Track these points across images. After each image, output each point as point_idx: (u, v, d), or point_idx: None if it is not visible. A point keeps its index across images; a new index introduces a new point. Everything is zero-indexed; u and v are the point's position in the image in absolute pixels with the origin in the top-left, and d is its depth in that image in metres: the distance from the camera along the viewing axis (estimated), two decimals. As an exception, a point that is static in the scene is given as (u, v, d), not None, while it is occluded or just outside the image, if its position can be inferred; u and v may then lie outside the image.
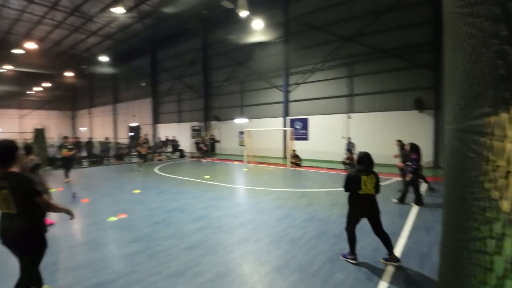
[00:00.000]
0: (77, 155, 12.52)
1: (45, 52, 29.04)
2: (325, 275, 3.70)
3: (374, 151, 13.98)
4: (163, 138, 24.43)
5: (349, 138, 14.22)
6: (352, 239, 4.01)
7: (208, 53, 23.44)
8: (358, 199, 3.90)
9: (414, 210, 6.61)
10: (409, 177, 6.87)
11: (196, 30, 22.78)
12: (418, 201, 6.95)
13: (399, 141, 9.34)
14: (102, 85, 37.04)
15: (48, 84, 36.52)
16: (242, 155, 18.00)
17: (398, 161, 8.26)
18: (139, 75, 30.03)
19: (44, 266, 4.04)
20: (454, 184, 2.10)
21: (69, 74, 31.13)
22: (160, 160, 19.44)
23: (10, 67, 28.12)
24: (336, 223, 5.75)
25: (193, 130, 25.26)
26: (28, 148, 5.86)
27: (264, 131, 18.23)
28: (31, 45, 22.78)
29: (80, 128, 43.40)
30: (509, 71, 0.50)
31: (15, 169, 2.64)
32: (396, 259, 3.88)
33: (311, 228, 5.50)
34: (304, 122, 17.96)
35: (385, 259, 3.95)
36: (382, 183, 10.10)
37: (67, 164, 11.36)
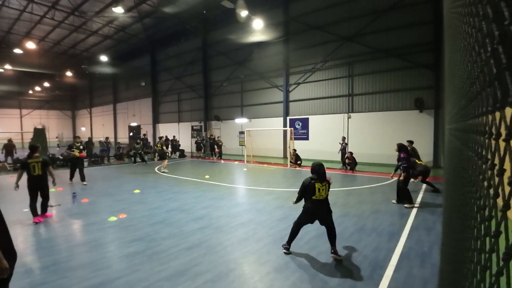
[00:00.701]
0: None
1: (45, 51, 29.06)
2: (326, 275, 3.70)
3: (374, 150, 14.07)
4: (163, 138, 24.41)
5: (343, 138, 14.20)
6: (295, 234, 4.38)
7: (208, 52, 23.44)
8: (312, 204, 4.18)
9: (414, 210, 6.60)
10: (402, 176, 6.83)
11: (196, 30, 22.78)
12: (408, 200, 6.81)
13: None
14: (102, 85, 37.04)
15: (48, 84, 36.52)
16: (242, 155, 18.02)
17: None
18: (139, 75, 30.03)
19: (44, 266, 4.06)
20: (454, 184, 2.10)
21: (69, 73, 31.13)
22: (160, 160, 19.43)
23: (10, 66, 28.11)
24: (336, 223, 5.70)
25: (193, 129, 25.27)
26: (32, 148, 6.36)
27: (264, 131, 18.24)
28: (31, 45, 22.78)
29: (80, 128, 43.39)
30: (501, 70, 0.51)
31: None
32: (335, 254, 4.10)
33: (311, 228, 5.48)
34: (304, 122, 17.96)
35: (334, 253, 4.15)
36: (383, 183, 10.14)
37: (80, 165, 10.54)
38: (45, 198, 6.35)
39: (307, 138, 17.82)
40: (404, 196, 6.86)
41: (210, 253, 4.39)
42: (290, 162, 14.94)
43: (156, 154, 19.85)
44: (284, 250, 4.39)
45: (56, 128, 40.67)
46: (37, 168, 6.11)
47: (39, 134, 15.04)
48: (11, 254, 2.52)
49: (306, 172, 12.96)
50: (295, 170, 13.91)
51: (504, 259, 0.42)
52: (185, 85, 25.53)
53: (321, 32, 16.66)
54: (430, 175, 8.82)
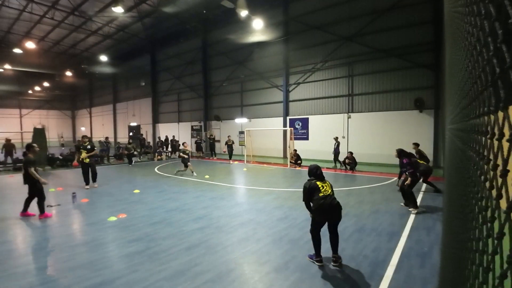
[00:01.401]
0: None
1: (45, 51, 29.01)
2: (325, 275, 3.70)
3: (374, 150, 14.09)
4: (163, 138, 24.41)
5: (336, 138, 14.17)
6: (318, 242, 4.01)
7: (208, 52, 23.43)
8: (322, 201, 3.91)
9: (414, 211, 6.59)
10: (409, 181, 6.56)
11: (196, 29, 22.75)
12: (414, 204, 6.51)
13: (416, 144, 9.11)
14: (102, 85, 37.01)
15: (48, 84, 36.48)
16: (242, 155, 18.01)
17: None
18: (139, 75, 30.01)
19: (44, 266, 4.06)
20: (455, 184, 2.10)
21: (69, 73, 31.08)
22: (159, 159, 19.44)
23: (9, 66, 28.07)
24: (336, 223, 5.75)
25: (193, 129, 25.26)
26: (27, 147, 6.52)
27: (264, 131, 18.23)
28: (31, 45, 22.74)
29: (80, 128, 43.38)
30: (505, 69, 0.51)
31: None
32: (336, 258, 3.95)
33: (311, 228, 5.50)
34: (304, 122, 17.95)
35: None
36: (382, 183, 10.14)
37: (93, 166, 9.67)
38: (30, 197, 6.40)
39: (307, 138, 17.81)
40: (409, 200, 6.60)
41: (210, 253, 4.39)
42: (290, 162, 14.94)
43: (156, 154, 19.92)
44: (317, 264, 3.95)
45: (56, 128, 40.61)
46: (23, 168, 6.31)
47: (39, 134, 15.00)
48: None
49: (306, 172, 12.92)
50: (295, 170, 13.91)
51: (509, 262, 0.42)
52: (185, 85, 25.52)
53: (321, 32, 16.66)
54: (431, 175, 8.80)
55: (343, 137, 15.95)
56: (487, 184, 0.76)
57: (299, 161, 14.67)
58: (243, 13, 16.13)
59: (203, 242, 4.84)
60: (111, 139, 29.91)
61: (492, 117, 0.71)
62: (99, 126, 38.79)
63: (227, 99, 22.42)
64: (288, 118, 18.61)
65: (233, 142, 18.53)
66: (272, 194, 8.50)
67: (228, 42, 20.93)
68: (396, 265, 3.89)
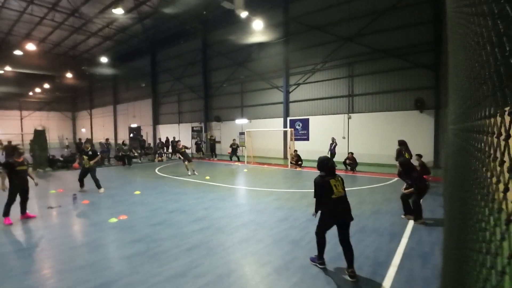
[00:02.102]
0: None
1: (45, 53, 29.06)
2: (327, 276, 3.68)
3: (375, 151, 14.07)
4: (163, 139, 24.42)
5: (333, 139, 14.15)
6: (323, 244, 3.88)
7: (208, 53, 23.45)
8: (333, 205, 3.70)
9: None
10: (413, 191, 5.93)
11: (196, 30, 22.77)
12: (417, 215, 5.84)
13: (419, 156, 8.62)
14: (102, 86, 37.05)
15: (48, 85, 36.53)
16: (242, 156, 17.99)
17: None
18: (139, 76, 30.04)
19: (45, 267, 4.05)
20: (458, 185, 2.09)
21: (69, 75, 31.12)
22: (160, 161, 19.43)
23: (10, 68, 28.12)
24: (337, 223, 5.73)
25: (194, 130, 25.26)
26: (11, 149, 6.41)
27: (264, 131, 18.22)
28: (31, 46, 22.77)
29: (80, 129, 43.42)
30: (510, 70, 0.50)
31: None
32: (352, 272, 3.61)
33: (313, 229, 5.42)
34: (305, 122, 17.95)
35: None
36: (383, 183, 10.13)
37: (92, 172, 9.22)
38: (23, 199, 6.39)
39: (307, 139, 17.81)
40: (416, 211, 5.82)
41: (210, 254, 4.37)
42: (291, 163, 14.93)
43: (157, 156, 19.92)
44: (320, 266, 3.87)
45: (56, 129, 40.63)
46: None
47: (40, 135, 15.01)
48: None
49: (306, 173, 12.95)
50: (295, 170, 13.89)
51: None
52: (185, 86, 25.53)
53: (321, 33, 16.66)
54: (430, 175, 8.80)
55: (343, 138, 15.95)
56: (494, 179, 0.76)
57: (299, 162, 14.66)
58: (243, 14, 16.14)
59: (204, 243, 4.82)
60: (112, 141, 29.91)
61: (499, 118, 0.70)
62: (99, 127, 38.82)
63: (228, 100, 22.43)
64: (288, 118, 18.61)
65: (237, 146, 18.52)
66: (273, 195, 8.49)
67: (228, 43, 20.95)
68: (398, 266, 3.87)
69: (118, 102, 34.79)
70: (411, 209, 5.88)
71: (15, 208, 6.18)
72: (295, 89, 18.31)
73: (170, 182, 11.00)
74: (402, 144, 9.39)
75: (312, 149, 17.24)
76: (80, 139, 24.67)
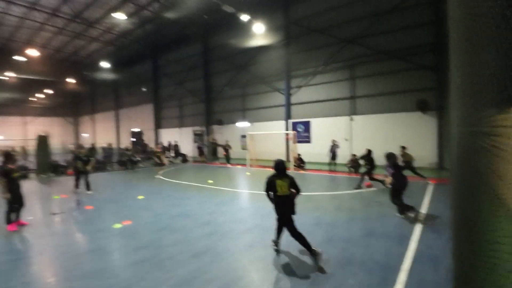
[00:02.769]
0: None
1: (47, 58, 29.23)
2: (336, 281, 3.62)
3: (378, 153, 13.90)
4: (165, 143, 24.44)
5: (333, 141, 14.11)
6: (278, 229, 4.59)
7: (209, 57, 23.50)
8: (275, 200, 4.44)
9: (422, 212, 6.49)
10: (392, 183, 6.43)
11: (197, 35, 22.88)
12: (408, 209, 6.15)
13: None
14: (104, 91, 37.19)
15: (50, 91, 36.72)
16: (244, 159, 17.94)
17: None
18: (140, 81, 30.13)
19: (50, 275, 4.00)
20: (466, 187, 2.05)
21: (71, 80, 31.27)
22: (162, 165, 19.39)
23: (12, 74, 28.29)
24: (344, 227, 5.68)
25: (195, 134, 25.25)
26: (6, 155, 6.33)
27: (266, 134, 18.18)
28: (33, 52, 22.93)
29: (82, 134, 43.52)
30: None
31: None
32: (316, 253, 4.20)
33: (319, 233, 5.43)
34: (306, 125, 17.90)
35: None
36: (387, 187, 10.00)
37: (84, 176, 9.79)
38: (19, 206, 6.21)
39: (309, 141, 17.75)
40: (402, 207, 6.17)
41: (217, 260, 4.32)
42: (294, 165, 14.86)
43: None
44: (274, 247, 4.59)
45: (59, 135, 40.72)
46: None
47: (43, 141, 15.03)
48: None
49: (309, 176, 12.88)
50: (298, 173, 13.83)
51: None
52: (186, 90, 25.57)
53: (321, 35, 16.67)
54: (436, 177, 8.75)
55: (346, 140, 15.88)
56: (501, 185, 0.72)
57: (302, 165, 14.60)
58: (244, 17, 16.20)
59: (210, 249, 4.77)
60: (114, 145, 29.95)
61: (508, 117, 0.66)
62: (102, 132, 38.90)
63: (229, 104, 22.44)
64: (290, 121, 18.57)
65: (230, 147, 18.77)
66: (277, 198, 8.42)
67: (229, 46, 21.00)
68: (409, 270, 3.80)
69: (120, 107, 34.89)
70: (405, 206, 6.17)
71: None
72: (296, 91, 18.29)
73: (173, 186, 10.96)
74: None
75: (315, 151, 17.17)
76: (81, 144, 24.69)
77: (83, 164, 9.73)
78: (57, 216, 7.08)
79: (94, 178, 13.87)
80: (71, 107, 44.08)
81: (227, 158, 18.52)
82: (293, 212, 4.41)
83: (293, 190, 4.40)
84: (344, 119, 16.12)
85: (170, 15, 19.81)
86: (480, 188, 1.39)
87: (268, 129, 19.15)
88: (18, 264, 4.39)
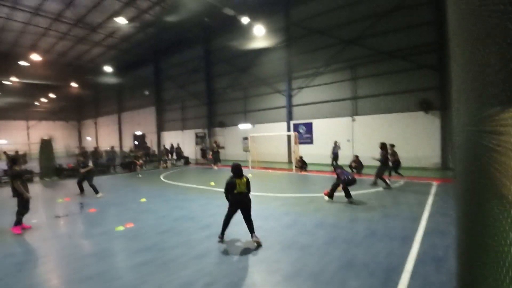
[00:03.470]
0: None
1: (51, 63, 29.53)
2: (338, 283, 3.60)
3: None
4: (167, 146, 24.53)
5: (335, 142, 14.12)
6: (225, 225, 5.22)
7: (211, 60, 23.61)
8: (234, 197, 5.14)
9: (425, 214, 6.45)
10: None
11: (198, 38, 23.00)
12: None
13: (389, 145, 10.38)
14: (107, 95, 37.48)
15: (54, 95, 37.06)
16: (246, 161, 17.94)
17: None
18: (143, 84, 30.33)
19: (53, 278, 4.03)
20: (473, 187, 2.03)
21: (74, 84, 31.54)
22: (165, 167, 19.46)
23: (17, 79, 28.60)
24: (347, 228, 5.65)
25: (197, 137, 25.32)
26: (13, 159, 6.60)
27: (268, 136, 18.19)
28: (36, 57, 23.18)
29: (86, 138, 43.81)
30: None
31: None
32: (256, 238, 4.97)
33: (321, 234, 5.41)
34: (308, 126, 17.89)
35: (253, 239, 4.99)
36: (391, 186, 9.94)
37: (89, 179, 10.02)
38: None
39: (311, 142, 17.73)
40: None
41: (219, 262, 4.32)
42: (295, 167, 14.84)
43: (161, 162, 19.97)
44: (218, 240, 5.12)
45: (62, 138, 41.06)
46: None
47: (47, 144, 15.16)
48: None
49: (311, 177, 12.85)
50: (300, 175, 13.81)
51: None
52: (188, 93, 25.69)
53: (322, 36, 16.70)
54: (440, 177, 8.70)
55: (348, 141, 15.84)
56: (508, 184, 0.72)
57: (304, 166, 14.57)
58: (244, 20, 16.26)
59: (212, 250, 4.77)
60: (117, 148, 30.11)
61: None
62: (105, 136, 39.14)
63: (230, 106, 22.50)
64: (292, 122, 18.57)
65: (217, 149, 18.99)
66: (279, 200, 8.42)
67: (230, 49, 21.09)
68: (411, 271, 3.78)
69: (123, 110, 35.11)
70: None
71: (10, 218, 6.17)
72: (297, 93, 18.30)
73: (175, 189, 10.99)
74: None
75: (317, 152, 17.14)
76: (83, 148, 24.85)
77: (82, 169, 10.14)
78: (61, 219, 7.13)
79: (97, 181, 13.96)
80: (74, 111, 44.44)
81: (215, 159, 18.51)
82: (250, 201, 5.26)
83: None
84: (346, 120, 16.09)
85: (171, 18, 19.95)
86: (485, 188, 1.39)
87: (270, 130, 19.16)
88: (23, 266, 4.42)
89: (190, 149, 24.65)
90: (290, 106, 18.60)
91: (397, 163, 10.70)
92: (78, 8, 19.01)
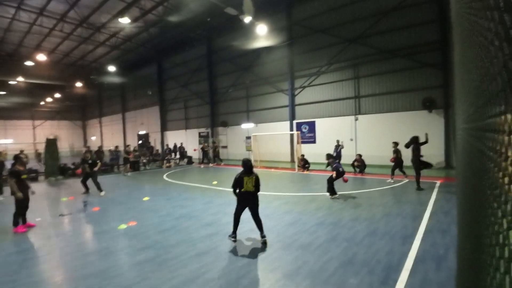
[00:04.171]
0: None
1: (55, 63, 29.80)
2: (338, 281, 3.62)
3: (383, 152, 13.90)
4: (171, 145, 24.62)
5: (338, 141, 14.08)
6: (236, 222, 5.14)
7: (213, 59, 23.66)
8: (241, 195, 5.06)
9: (427, 212, 6.43)
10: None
11: (200, 37, 23.05)
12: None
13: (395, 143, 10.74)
14: (111, 95, 37.72)
15: (59, 95, 37.41)
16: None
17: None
18: (146, 84, 30.47)
19: (56, 275, 4.10)
20: (473, 186, 2.03)
21: (78, 84, 31.80)
22: (168, 167, 19.56)
23: (22, 79, 28.93)
24: (347, 227, 5.66)
25: (200, 136, 25.40)
26: (15, 158, 6.49)
27: (270, 135, 18.20)
28: (41, 57, 23.41)
29: (90, 137, 44.18)
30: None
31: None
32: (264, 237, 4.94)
33: (322, 232, 5.42)
34: (311, 125, 17.86)
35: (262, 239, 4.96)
36: (393, 185, 9.95)
37: (94, 179, 10.15)
38: (24, 208, 6.31)
39: (314, 142, 17.69)
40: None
41: (219, 260, 4.36)
42: (298, 166, 14.83)
43: (165, 162, 20.08)
44: (231, 239, 5.09)
45: (67, 138, 41.43)
46: None
47: (51, 144, 15.33)
48: None
49: (314, 176, 12.84)
50: (303, 174, 13.81)
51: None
52: (191, 92, 25.78)
53: (325, 35, 16.64)
54: (443, 176, 8.66)
55: (351, 140, 15.79)
56: (506, 179, 0.73)
57: (307, 165, 14.56)
58: (247, 19, 16.26)
59: (213, 249, 4.81)
60: (121, 148, 30.35)
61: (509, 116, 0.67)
62: (109, 135, 39.43)
63: (233, 105, 22.53)
64: (294, 122, 18.55)
65: (208, 148, 19.41)
66: (281, 199, 8.44)
67: (232, 48, 21.11)
68: (411, 269, 3.78)
69: (127, 110, 35.33)
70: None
71: (29, 214, 6.28)
72: (300, 92, 18.27)
73: (178, 188, 11.05)
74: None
75: (320, 152, 17.08)
76: (89, 147, 25.08)
77: (89, 167, 10.16)
78: (64, 217, 7.22)
79: (102, 180, 14.09)
80: (79, 110, 44.81)
81: (207, 158, 18.89)
82: (257, 205, 5.12)
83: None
84: (349, 119, 16.03)
85: (174, 18, 20.02)
86: (487, 188, 1.39)
87: (272, 130, 19.16)
88: (26, 264, 4.50)
89: (193, 148, 24.73)
90: (292, 105, 18.58)
91: (400, 162, 10.67)
92: (82, 9, 19.17)
